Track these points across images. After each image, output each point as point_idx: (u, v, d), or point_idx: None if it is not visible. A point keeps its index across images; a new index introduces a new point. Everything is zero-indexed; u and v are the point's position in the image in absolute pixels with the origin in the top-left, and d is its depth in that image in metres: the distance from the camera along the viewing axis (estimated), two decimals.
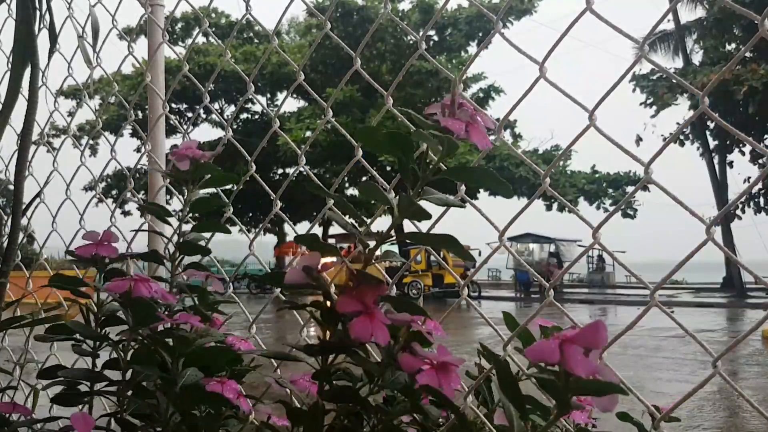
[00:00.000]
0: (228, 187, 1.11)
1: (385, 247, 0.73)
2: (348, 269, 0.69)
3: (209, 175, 1.00)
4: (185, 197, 1.01)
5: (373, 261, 0.72)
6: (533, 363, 0.55)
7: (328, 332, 0.71)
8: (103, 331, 0.99)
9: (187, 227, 1.03)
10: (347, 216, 0.74)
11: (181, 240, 1.02)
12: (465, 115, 0.64)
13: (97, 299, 1.00)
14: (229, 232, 1.08)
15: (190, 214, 1.03)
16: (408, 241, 0.72)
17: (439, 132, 0.63)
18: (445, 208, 1.09)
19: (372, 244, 0.72)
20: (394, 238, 0.70)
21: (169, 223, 1.03)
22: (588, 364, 0.52)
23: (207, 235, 1.07)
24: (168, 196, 1.69)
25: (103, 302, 0.99)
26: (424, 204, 0.67)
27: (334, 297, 0.69)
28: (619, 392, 0.53)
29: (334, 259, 0.75)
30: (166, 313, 0.98)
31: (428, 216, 0.67)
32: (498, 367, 0.59)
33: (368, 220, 0.82)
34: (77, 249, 0.99)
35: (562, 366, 0.52)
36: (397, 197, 0.67)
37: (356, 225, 0.74)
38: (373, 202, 0.72)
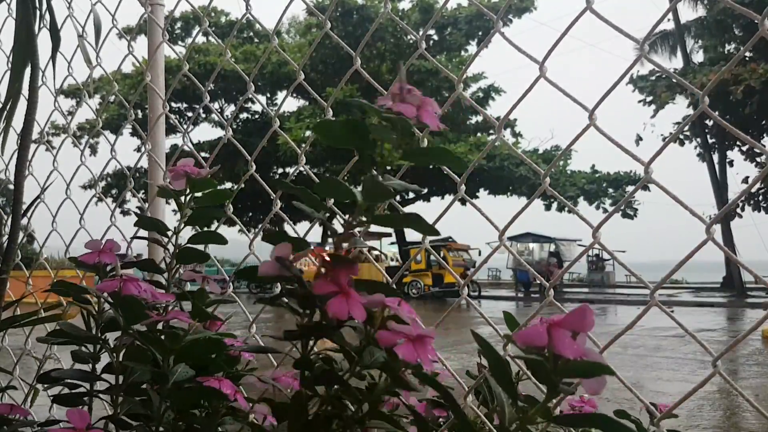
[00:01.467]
0: (227, 185, 1.12)
1: (387, 247, 0.74)
2: (320, 255, 0.71)
3: (205, 191, 1.03)
4: (181, 212, 1.03)
5: (344, 248, 0.73)
6: (522, 348, 0.56)
7: (305, 319, 0.73)
8: (104, 336, 0.99)
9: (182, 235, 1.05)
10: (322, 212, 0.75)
11: (177, 250, 1.04)
12: (415, 99, 0.66)
13: (98, 306, 1.01)
14: (225, 242, 1.10)
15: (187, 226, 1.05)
16: (374, 225, 0.73)
17: (391, 117, 0.65)
18: (445, 208, 1.09)
19: (340, 231, 0.73)
20: (366, 224, 0.72)
21: (167, 235, 1.05)
22: (576, 346, 0.53)
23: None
24: None
25: (104, 309, 1.00)
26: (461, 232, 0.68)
27: (307, 285, 0.71)
28: (607, 373, 0.54)
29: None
30: (158, 312, 0.99)
31: (392, 195, 0.68)
32: (488, 353, 0.59)
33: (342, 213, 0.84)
34: (80, 257, 1.01)
35: (550, 349, 0.54)
36: (361, 182, 0.68)
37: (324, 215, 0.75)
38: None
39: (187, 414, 0.89)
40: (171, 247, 1.04)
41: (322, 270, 0.70)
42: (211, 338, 0.90)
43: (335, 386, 0.72)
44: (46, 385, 1.01)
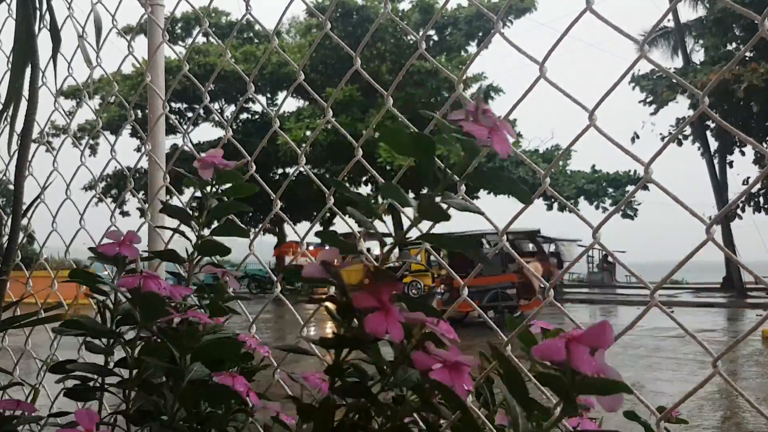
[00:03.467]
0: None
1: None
2: (365, 266, 0.70)
3: (230, 185, 1.03)
4: (206, 203, 1.03)
5: (391, 262, 0.72)
6: (537, 361, 0.55)
7: (342, 328, 0.72)
8: (118, 329, 0.99)
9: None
10: (367, 217, 0.75)
11: (200, 242, 1.03)
12: (488, 122, 0.65)
13: (114, 298, 1.00)
14: (248, 235, 1.10)
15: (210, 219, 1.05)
16: (425, 242, 0.73)
17: (461, 136, 0.64)
18: (445, 208, 1.09)
19: (389, 243, 0.72)
20: (413, 238, 0.71)
21: (191, 226, 1.04)
22: (594, 362, 0.53)
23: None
24: (168, 196, 1.69)
25: (120, 301, 1.00)
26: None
27: (349, 293, 0.69)
28: (625, 391, 0.53)
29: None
30: (177, 309, 0.99)
31: (448, 217, 0.67)
32: (505, 366, 0.59)
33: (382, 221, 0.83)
34: (101, 247, 1.01)
35: (567, 364, 0.53)
36: (418, 198, 0.67)
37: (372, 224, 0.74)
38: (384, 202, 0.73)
39: (200, 411, 0.89)
40: (193, 237, 1.04)
41: (365, 281, 0.69)
42: (229, 339, 0.90)
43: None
44: (56, 379, 1.01)
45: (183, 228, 1.06)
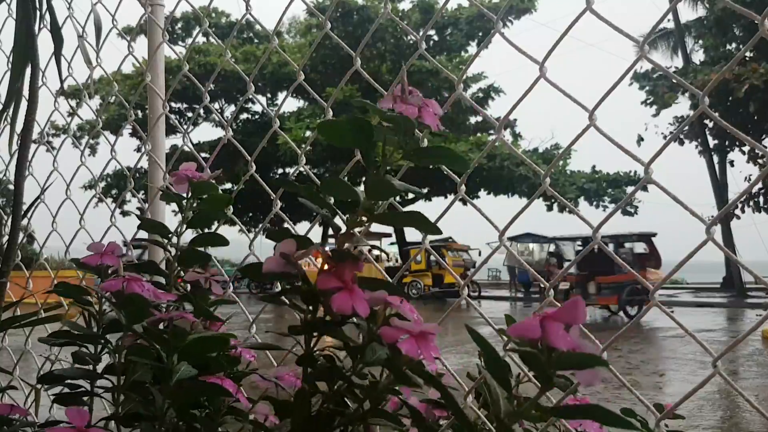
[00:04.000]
0: (227, 186, 1.12)
1: (387, 247, 0.74)
2: (324, 251, 0.72)
3: (206, 196, 1.04)
4: (183, 215, 1.04)
5: (348, 245, 0.74)
6: (513, 340, 0.56)
7: (308, 315, 0.73)
8: (105, 336, 1.00)
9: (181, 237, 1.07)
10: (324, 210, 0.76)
11: (178, 253, 1.04)
12: (417, 100, 0.68)
13: (99, 307, 1.01)
14: (227, 243, 1.10)
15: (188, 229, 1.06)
16: (376, 222, 0.74)
17: (395, 117, 0.66)
18: (445, 208, 1.09)
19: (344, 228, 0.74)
20: (366, 223, 0.72)
21: (168, 238, 1.06)
22: (568, 338, 0.54)
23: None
24: None
25: (105, 310, 1.01)
26: (465, 229, 0.68)
27: (311, 281, 0.71)
28: (600, 365, 0.54)
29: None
30: (161, 310, 0.99)
31: (397, 192, 0.69)
32: (482, 346, 0.60)
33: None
34: (84, 259, 1.02)
35: (543, 341, 0.54)
36: (364, 180, 0.69)
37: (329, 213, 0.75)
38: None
39: (189, 413, 0.89)
40: (172, 249, 1.05)
41: (326, 266, 0.70)
42: (215, 336, 0.90)
43: (338, 383, 0.72)
44: (46, 386, 1.01)
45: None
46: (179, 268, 1.05)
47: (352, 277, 0.69)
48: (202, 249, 1.06)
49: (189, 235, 1.06)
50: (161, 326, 0.91)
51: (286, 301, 0.75)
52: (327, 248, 0.75)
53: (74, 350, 1.02)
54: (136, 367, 0.91)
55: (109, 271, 1.02)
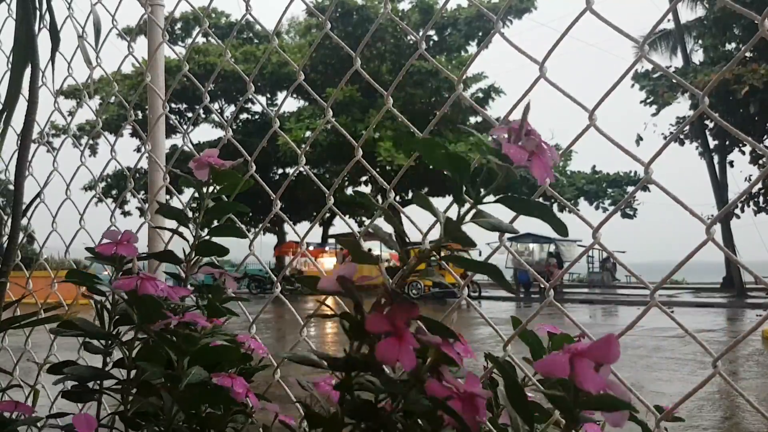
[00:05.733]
0: None
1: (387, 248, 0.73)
2: (384, 287, 0.67)
3: (225, 183, 1.01)
4: (203, 203, 1.02)
5: (409, 276, 0.71)
6: (545, 376, 0.54)
7: (354, 345, 0.69)
8: (116, 330, 0.99)
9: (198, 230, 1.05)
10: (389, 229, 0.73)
11: (197, 242, 1.02)
12: (531, 144, 0.61)
13: (112, 298, 1.00)
14: (246, 235, 1.09)
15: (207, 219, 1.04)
16: (458, 265, 0.70)
17: (499, 158, 0.61)
18: (444, 209, 1.09)
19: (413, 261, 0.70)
20: (437, 258, 0.69)
21: (187, 226, 1.04)
22: (598, 379, 0.51)
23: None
24: (168, 196, 1.69)
25: (118, 301, 0.99)
26: (470, 227, 0.65)
27: (364, 311, 0.67)
28: (628, 409, 0.52)
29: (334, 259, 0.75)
30: (174, 310, 0.98)
31: (473, 244, 0.64)
32: (505, 376, 0.58)
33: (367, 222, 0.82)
34: (98, 247, 0.99)
35: (571, 381, 0.51)
36: (445, 219, 0.65)
37: (400, 237, 0.72)
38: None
39: (198, 413, 0.89)
40: (191, 239, 1.03)
41: (382, 301, 0.66)
42: (227, 342, 0.89)
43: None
44: (55, 379, 1.00)
45: (182, 229, 1.05)
46: (196, 258, 1.04)
47: (405, 321, 0.63)
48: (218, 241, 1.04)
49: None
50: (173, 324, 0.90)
51: (342, 325, 0.72)
52: (327, 248, 0.73)
53: (82, 344, 1.01)
54: (146, 366, 0.91)
55: (124, 262, 1.00)
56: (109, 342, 1.00)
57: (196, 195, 1.04)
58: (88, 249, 1.04)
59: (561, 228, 0.64)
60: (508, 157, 0.60)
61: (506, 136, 0.62)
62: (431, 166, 0.66)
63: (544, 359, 0.53)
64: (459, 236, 0.64)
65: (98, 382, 0.99)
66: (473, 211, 0.65)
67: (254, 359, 1.03)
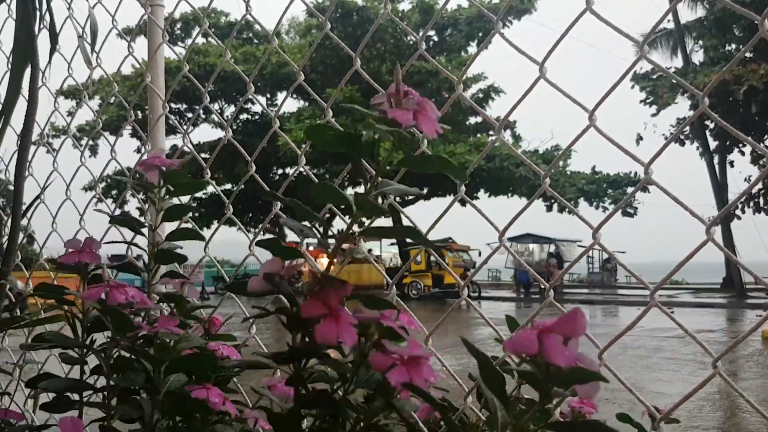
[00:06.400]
0: (228, 187, 1.12)
1: (388, 248, 0.73)
2: (311, 273, 0.69)
3: (178, 184, 0.98)
4: (156, 206, 0.99)
5: (337, 259, 0.71)
6: (514, 354, 0.54)
7: (297, 336, 0.70)
8: (91, 336, 0.97)
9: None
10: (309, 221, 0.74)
11: (155, 249, 1.00)
12: (412, 104, 0.63)
13: (83, 306, 0.98)
14: (202, 238, 1.06)
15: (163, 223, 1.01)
16: (368, 236, 0.72)
17: (387, 124, 0.63)
18: (444, 209, 1.09)
19: (332, 244, 0.71)
20: (357, 234, 0.70)
21: (143, 234, 1.02)
22: (567, 353, 0.52)
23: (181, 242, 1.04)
24: (168, 197, 1.69)
25: (89, 309, 0.97)
26: (469, 226, 0.66)
27: (298, 302, 0.68)
28: (598, 380, 0.53)
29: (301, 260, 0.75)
30: (145, 320, 0.97)
31: (386, 212, 0.66)
32: (479, 359, 0.58)
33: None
34: (60, 258, 0.98)
35: (541, 356, 0.52)
36: (353, 195, 0.67)
37: (315, 227, 0.73)
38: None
39: (176, 424, 0.88)
40: (148, 247, 1.01)
41: (314, 288, 0.66)
42: (202, 351, 0.88)
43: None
44: (31, 392, 1.00)
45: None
46: (157, 266, 1.01)
47: (338, 301, 0.64)
48: (178, 246, 1.01)
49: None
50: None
51: (280, 320, 0.72)
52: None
53: (60, 353, 1.00)
54: (123, 380, 0.90)
55: (89, 270, 0.98)
56: (85, 351, 0.98)
57: (197, 196, 1.03)
58: (50, 260, 1.03)
59: (461, 175, 0.67)
60: (395, 121, 0.62)
61: (386, 102, 0.63)
62: (323, 149, 0.68)
63: (512, 337, 0.54)
64: (370, 207, 0.65)
65: (78, 393, 0.98)
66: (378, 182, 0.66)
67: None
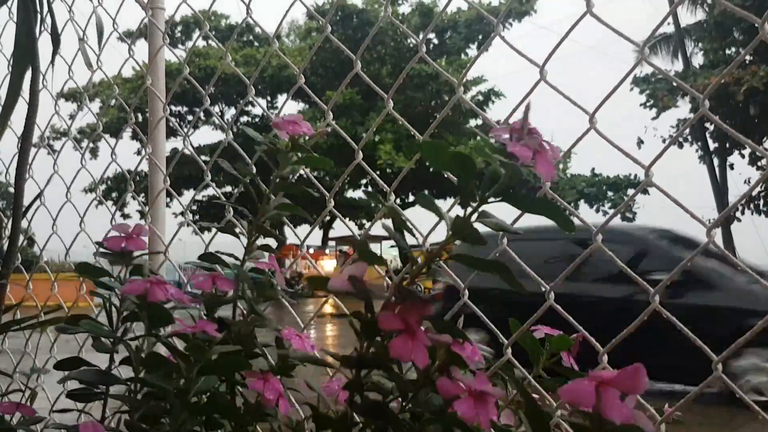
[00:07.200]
0: (228, 189, 1.11)
1: (388, 250, 0.72)
2: (394, 284, 0.67)
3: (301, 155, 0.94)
4: (278, 169, 0.94)
5: (419, 280, 0.69)
6: (569, 404, 0.53)
7: (365, 344, 0.69)
8: (125, 326, 0.96)
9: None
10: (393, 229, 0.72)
11: (262, 219, 0.96)
12: (534, 143, 0.62)
13: (121, 296, 0.96)
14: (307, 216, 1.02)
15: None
16: (461, 262, 0.69)
17: (504, 157, 0.61)
18: (445, 210, 1.09)
19: (419, 260, 0.69)
20: (442, 259, 0.68)
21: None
22: (625, 409, 0.50)
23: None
24: (168, 199, 1.69)
25: (126, 298, 0.95)
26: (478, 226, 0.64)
27: (375, 310, 0.67)
28: None
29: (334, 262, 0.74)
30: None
31: (483, 241, 0.64)
32: (531, 409, 0.58)
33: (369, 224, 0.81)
34: (106, 241, 0.93)
35: (596, 410, 0.51)
36: (454, 216, 0.65)
37: (403, 239, 0.72)
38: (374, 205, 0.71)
39: (209, 424, 0.87)
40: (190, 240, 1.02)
41: (393, 299, 0.65)
42: (238, 355, 0.86)
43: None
44: (42, 384, 0.99)
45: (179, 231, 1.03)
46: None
47: (417, 319, 0.63)
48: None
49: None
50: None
51: (351, 323, 0.70)
52: (327, 251, 0.72)
53: (93, 341, 0.98)
54: (154, 379, 0.88)
55: (133, 258, 0.94)
56: (116, 341, 0.97)
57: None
58: (98, 243, 0.97)
59: (568, 225, 0.63)
60: (514, 155, 0.60)
61: (508, 135, 0.62)
62: (435, 169, 0.66)
63: (569, 386, 0.53)
64: (468, 234, 0.64)
65: (104, 386, 0.97)
66: (479, 210, 0.64)
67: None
